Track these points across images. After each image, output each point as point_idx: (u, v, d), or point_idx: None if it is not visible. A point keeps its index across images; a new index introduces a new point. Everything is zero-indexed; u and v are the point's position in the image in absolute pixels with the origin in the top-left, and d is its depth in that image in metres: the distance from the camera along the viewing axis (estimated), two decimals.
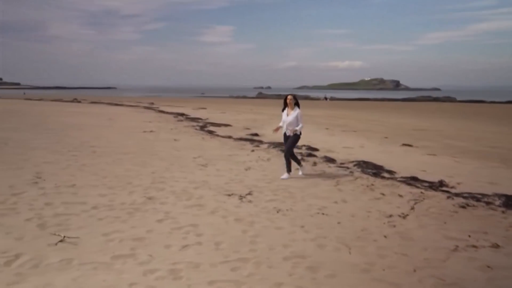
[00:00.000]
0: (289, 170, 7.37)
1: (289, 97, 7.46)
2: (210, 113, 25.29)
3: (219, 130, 15.48)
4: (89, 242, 3.94)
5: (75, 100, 42.81)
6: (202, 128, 16.34)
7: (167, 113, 25.54)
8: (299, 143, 7.93)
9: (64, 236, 3.98)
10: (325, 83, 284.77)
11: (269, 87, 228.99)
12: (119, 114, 23.54)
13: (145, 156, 8.91)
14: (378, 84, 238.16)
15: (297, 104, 7.43)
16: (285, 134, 7.44)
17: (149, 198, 5.56)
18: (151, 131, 14.17)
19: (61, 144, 10.19)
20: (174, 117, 22.22)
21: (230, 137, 13.27)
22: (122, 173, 7.02)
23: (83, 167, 7.43)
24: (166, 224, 4.60)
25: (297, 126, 7.30)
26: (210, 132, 14.74)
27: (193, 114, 24.55)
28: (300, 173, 7.51)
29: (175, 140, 12.08)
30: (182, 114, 23.96)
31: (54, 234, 4.04)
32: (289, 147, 7.37)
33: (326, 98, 63.31)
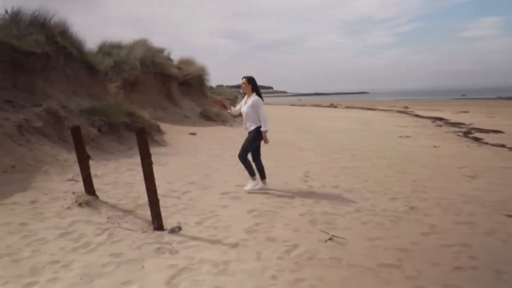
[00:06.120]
0: (252, 174, 5.93)
1: (242, 80, 5.83)
2: (474, 118, 22.46)
3: (487, 137, 13.54)
4: (355, 244, 4.05)
5: (331, 105, 45.97)
6: (465, 134, 14.68)
7: (423, 117, 24.21)
8: None
9: (332, 235, 4.23)
10: None
11: None
12: (373, 119, 23.82)
13: (404, 162, 8.63)
14: None
15: (255, 90, 5.81)
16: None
17: (412, 208, 5.31)
18: (407, 136, 13.69)
19: (323, 146, 11.05)
20: (432, 121, 20.83)
21: (503, 145, 11.39)
22: (381, 178, 7.00)
23: (344, 169, 7.80)
24: (432, 238, 4.27)
25: (257, 119, 5.72)
26: (476, 139, 13.05)
27: (453, 118, 22.39)
28: (247, 187, 5.94)
29: (434, 146, 11.26)
30: (440, 119, 22.22)
31: (324, 232, 4.35)
32: (244, 147, 5.84)
33: None
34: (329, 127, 17.59)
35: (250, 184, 6.01)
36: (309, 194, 5.89)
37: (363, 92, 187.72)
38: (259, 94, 5.84)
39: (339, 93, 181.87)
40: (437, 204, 5.50)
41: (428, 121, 21.10)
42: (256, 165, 6.02)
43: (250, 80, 5.82)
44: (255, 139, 5.84)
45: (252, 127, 5.81)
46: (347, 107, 42.15)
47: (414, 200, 5.69)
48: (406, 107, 36.87)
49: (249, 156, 5.98)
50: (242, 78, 5.88)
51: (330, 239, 4.16)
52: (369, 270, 3.48)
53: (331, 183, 6.57)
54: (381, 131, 16.09)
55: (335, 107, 43.28)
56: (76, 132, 5.13)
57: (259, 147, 6.00)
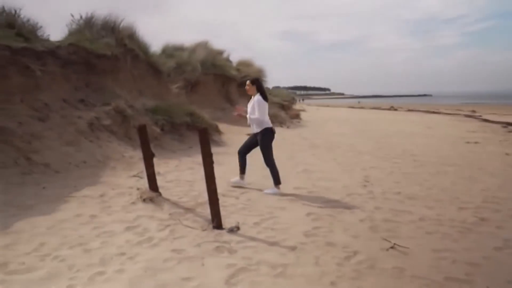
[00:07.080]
0: (277, 182, 5.89)
1: (246, 82, 5.89)
2: None
3: None
4: (419, 255, 3.85)
5: (391, 108, 44.40)
6: None
7: (493, 122, 22.64)
8: None
9: (395, 244, 4.05)
10: None
11: None
12: (437, 122, 22.69)
13: (472, 170, 8.09)
14: None
15: (260, 91, 5.74)
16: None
17: (482, 219, 4.96)
18: (475, 142, 12.85)
19: (383, 150, 10.67)
20: (503, 127, 19.39)
21: None
22: (447, 187, 6.61)
23: (406, 175, 7.47)
24: (506, 253, 3.95)
25: (261, 120, 5.73)
26: None
27: None
28: (267, 190, 5.90)
29: (507, 154, 10.45)
30: None
31: (385, 240, 4.18)
32: (264, 155, 5.87)
33: None
34: (390, 130, 16.97)
35: (271, 189, 5.95)
36: (369, 200, 5.71)
37: (426, 95, 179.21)
38: (263, 95, 5.75)
39: (400, 95, 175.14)
40: (511, 216, 5.10)
41: (499, 127, 19.67)
42: (240, 159, 6.11)
43: (254, 81, 5.79)
44: (268, 140, 5.85)
45: (258, 129, 5.83)
46: (409, 110, 40.48)
47: (485, 211, 5.31)
48: (474, 111, 34.71)
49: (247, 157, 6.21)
50: (246, 81, 5.95)
51: (392, 247, 3.99)
52: (435, 284, 3.30)
53: (392, 189, 6.32)
54: (446, 136, 15.25)
55: (395, 109, 41.74)
56: (142, 130, 5.36)
57: (255, 145, 6.01)
